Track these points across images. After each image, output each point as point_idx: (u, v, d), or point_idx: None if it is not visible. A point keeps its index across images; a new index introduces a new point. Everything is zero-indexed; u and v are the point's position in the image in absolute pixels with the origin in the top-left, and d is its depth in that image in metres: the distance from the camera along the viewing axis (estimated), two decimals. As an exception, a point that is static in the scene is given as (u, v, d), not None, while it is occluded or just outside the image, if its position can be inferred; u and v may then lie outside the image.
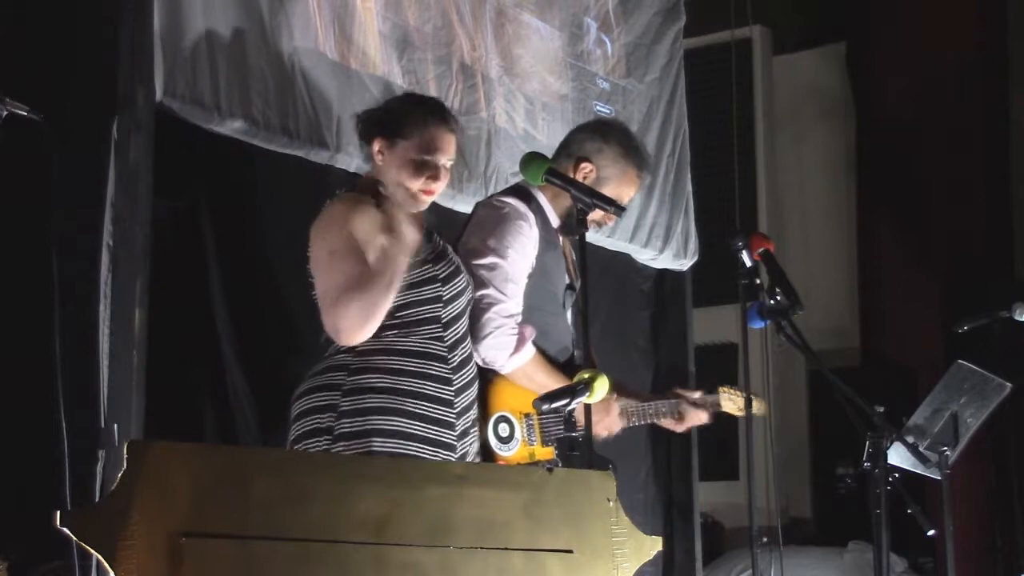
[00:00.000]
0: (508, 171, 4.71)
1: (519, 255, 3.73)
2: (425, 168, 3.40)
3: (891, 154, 6.99)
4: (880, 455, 3.74)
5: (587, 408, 3.05)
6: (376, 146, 3.43)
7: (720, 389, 4.24)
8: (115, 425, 3.34)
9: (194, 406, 3.64)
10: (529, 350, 3.71)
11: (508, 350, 3.66)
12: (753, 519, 3.68)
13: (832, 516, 6.71)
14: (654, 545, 2.69)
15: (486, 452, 3.64)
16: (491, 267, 3.69)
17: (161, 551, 2.07)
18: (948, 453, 4.21)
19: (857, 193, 7.20)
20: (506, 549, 2.44)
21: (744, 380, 4.21)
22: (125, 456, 2.08)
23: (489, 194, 4.60)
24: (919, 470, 4.14)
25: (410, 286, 3.36)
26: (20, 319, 3.24)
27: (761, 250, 3.91)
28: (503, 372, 3.70)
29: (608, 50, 5.36)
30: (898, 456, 4.05)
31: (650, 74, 5.55)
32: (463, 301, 3.49)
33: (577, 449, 2.95)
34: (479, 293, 3.64)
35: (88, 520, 2.05)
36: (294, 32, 3.92)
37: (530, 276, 3.77)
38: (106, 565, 2.04)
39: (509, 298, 3.68)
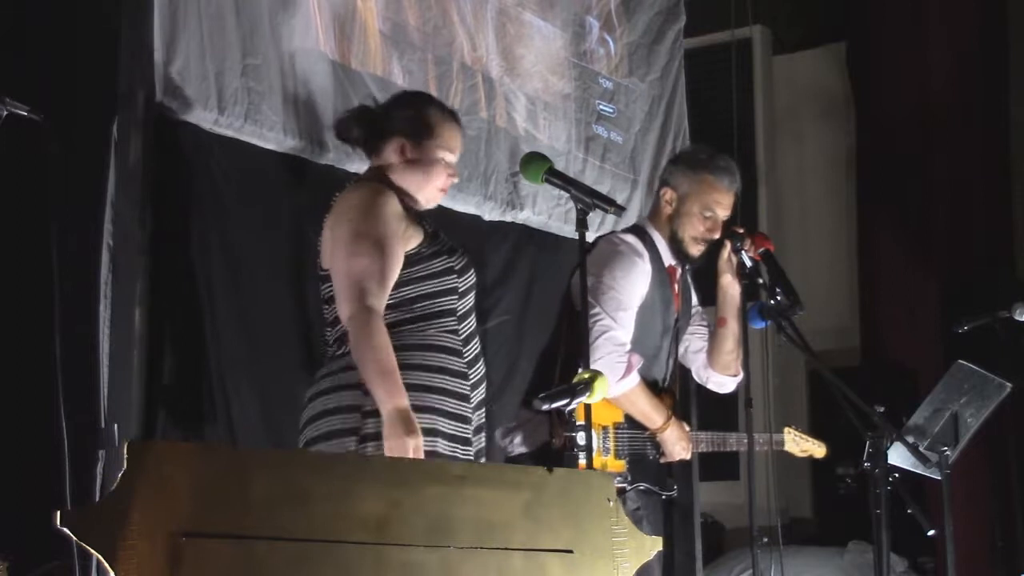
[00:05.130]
0: (508, 171, 4.71)
1: (631, 287, 3.94)
2: (447, 167, 3.50)
3: (891, 154, 6.98)
4: (880, 455, 3.75)
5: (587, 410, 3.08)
6: (397, 145, 3.45)
7: (786, 429, 4.36)
8: (115, 425, 3.34)
9: (194, 407, 3.63)
10: (634, 377, 3.90)
11: (616, 375, 3.83)
12: (753, 519, 3.69)
13: (832, 516, 6.71)
14: (654, 545, 2.69)
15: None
16: (605, 297, 3.88)
17: (161, 551, 2.07)
18: (948, 453, 4.21)
19: (857, 193, 7.20)
20: (506, 549, 2.44)
21: (744, 380, 4.22)
22: (125, 456, 2.08)
23: (489, 194, 4.62)
24: (919, 470, 4.14)
25: (427, 277, 3.37)
26: (20, 319, 3.24)
27: (761, 250, 3.93)
28: (608, 395, 3.78)
29: (611, 49, 5.36)
30: (898, 456, 4.05)
31: (651, 74, 5.56)
32: (473, 298, 3.50)
33: (577, 449, 2.95)
34: (592, 320, 3.81)
35: (88, 520, 2.04)
36: (294, 32, 3.92)
37: (639, 309, 3.96)
38: (106, 565, 2.04)
39: (620, 326, 3.88)
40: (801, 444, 4.45)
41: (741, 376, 4.23)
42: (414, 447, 3.10)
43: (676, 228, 4.05)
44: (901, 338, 6.79)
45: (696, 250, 4.04)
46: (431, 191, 3.49)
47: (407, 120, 3.49)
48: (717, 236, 4.05)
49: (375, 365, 3.16)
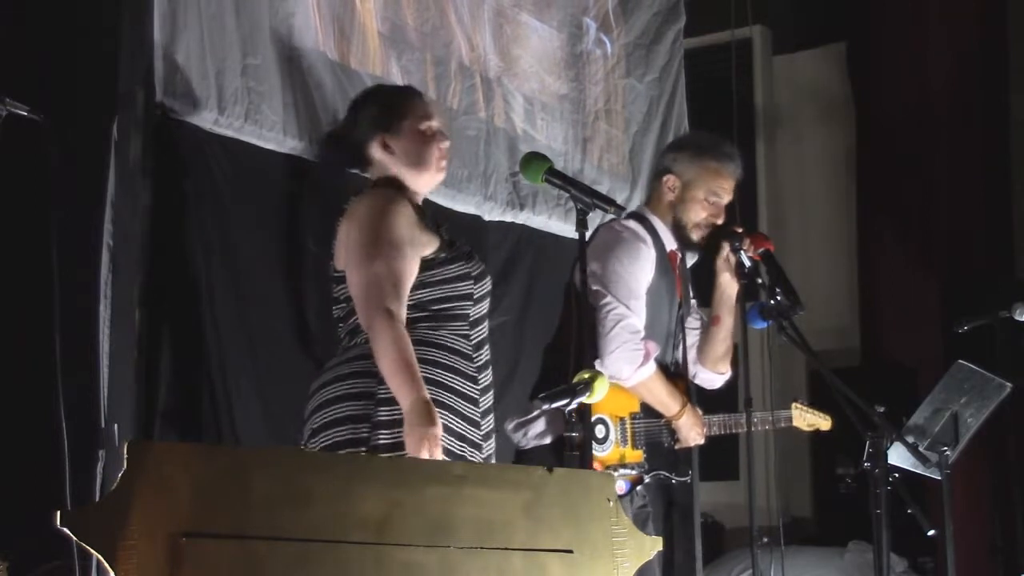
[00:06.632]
0: (508, 171, 4.71)
1: (640, 273, 3.93)
2: (436, 134, 3.50)
3: (891, 154, 6.99)
4: (880, 455, 3.74)
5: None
6: (379, 141, 3.47)
7: (793, 404, 4.36)
8: (115, 425, 3.34)
9: (194, 406, 3.63)
10: (651, 365, 3.90)
11: (635, 363, 3.84)
12: (753, 519, 3.69)
13: (832, 516, 6.71)
14: (654, 545, 2.69)
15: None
16: (616, 285, 3.87)
17: (161, 551, 2.07)
18: (948, 453, 4.21)
19: (857, 193, 7.20)
20: (506, 549, 2.44)
21: (744, 380, 4.22)
22: (125, 456, 2.08)
23: (489, 194, 4.62)
24: (919, 470, 4.14)
25: (445, 281, 3.37)
26: (20, 319, 3.24)
27: (761, 250, 3.93)
28: (626, 384, 3.87)
29: (608, 50, 5.36)
30: (898, 456, 4.05)
31: (650, 74, 5.56)
32: (487, 305, 3.51)
33: (576, 449, 2.95)
34: (605, 309, 3.82)
35: (88, 520, 2.04)
36: (293, 32, 3.93)
37: (646, 295, 3.95)
38: (106, 565, 2.04)
39: (634, 313, 3.87)
40: (808, 418, 4.46)
41: (730, 374, 4.24)
42: (434, 435, 3.10)
43: (680, 215, 4.05)
44: (901, 338, 6.79)
45: (698, 235, 4.04)
46: (431, 163, 3.48)
47: (372, 117, 3.50)
48: (720, 221, 4.06)
49: (396, 360, 3.16)
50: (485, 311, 3.49)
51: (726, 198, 4.07)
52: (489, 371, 3.47)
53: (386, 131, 3.47)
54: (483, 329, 3.47)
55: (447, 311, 3.37)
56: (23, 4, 3.46)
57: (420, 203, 3.50)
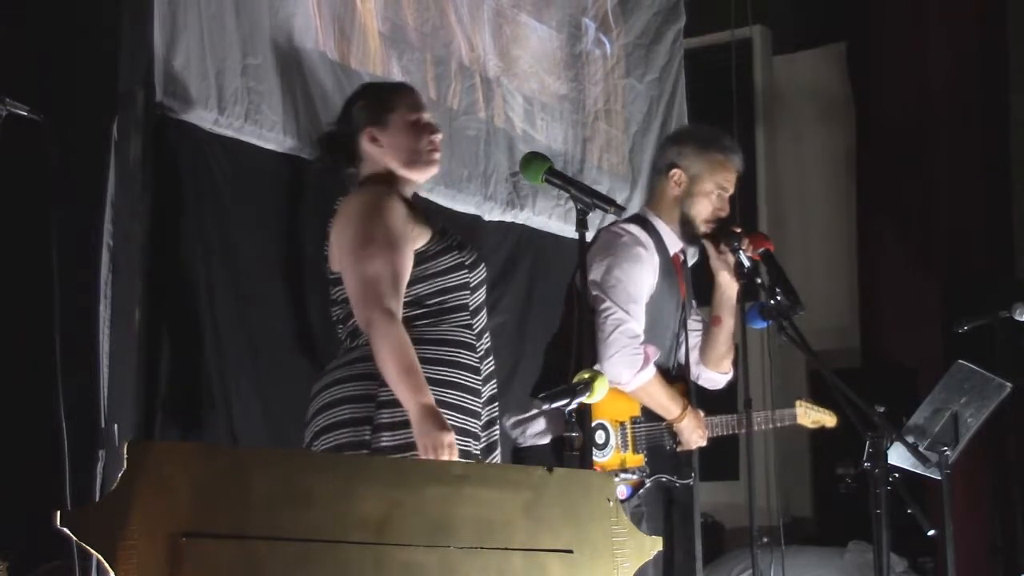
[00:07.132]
0: (508, 171, 4.71)
1: (640, 278, 3.93)
2: (426, 127, 3.48)
3: (891, 154, 6.99)
4: (880, 455, 3.74)
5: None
6: (367, 135, 3.45)
7: (797, 402, 4.35)
8: (115, 425, 3.34)
9: (194, 406, 3.63)
10: (651, 369, 3.90)
11: (634, 368, 3.84)
12: (753, 519, 3.69)
13: (832, 516, 6.71)
14: (654, 545, 2.69)
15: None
16: (615, 290, 3.86)
17: (161, 551, 2.07)
18: (948, 453, 4.21)
19: (857, 193, 7.20)
20: (506, 549, 2.44)
21: (743, 380, 4.22)
22: (125, 456, 2.08)
23: (489, 194, 4.62)
24: (919, 470, 4.14)
25: (440, 273, 3.37)
26: (20, 319, 3.24)
27: (761, 250, 3.92)
28: (626, 389, 3.87)
29: (607, 50, 5.36)
30: (898, 456, 4.05)
31: (650, 74, 5.56)
32: (484, 292, 3.50)
33: (576, 448, 2.95)
34: (604, 314, 3.82)
35: (88, 520, 2.04)
36: (294, 32, 3.93)
37: (649, 302, 3.95)
38: (106, 565, 2.04)
39: (633, 318, 3.87)
40: (812, 415, 4.44)
41: (732, 374, 4.23)
42: (448, 443, 3.10)
43: (687, 209, 4.03)
44: (901, 338, 6.79)
45: (706, 229, 4.03)
46: (421, 154, 3.46)
47: (361, 111, 3.49)
48: (725, 214, 4.05)
49: (398, 364, 3.15)
50: (483, 299, 3.49)
51: (731, 190, 4.08)
52: (491, 359, 3.47)
53: (374, 124, 3.45)
54: (483, 317, 3.47)
55: (445, 303, 3.37)
56: (23, 4, 3.46)
57: (410, 197, 3.48)
